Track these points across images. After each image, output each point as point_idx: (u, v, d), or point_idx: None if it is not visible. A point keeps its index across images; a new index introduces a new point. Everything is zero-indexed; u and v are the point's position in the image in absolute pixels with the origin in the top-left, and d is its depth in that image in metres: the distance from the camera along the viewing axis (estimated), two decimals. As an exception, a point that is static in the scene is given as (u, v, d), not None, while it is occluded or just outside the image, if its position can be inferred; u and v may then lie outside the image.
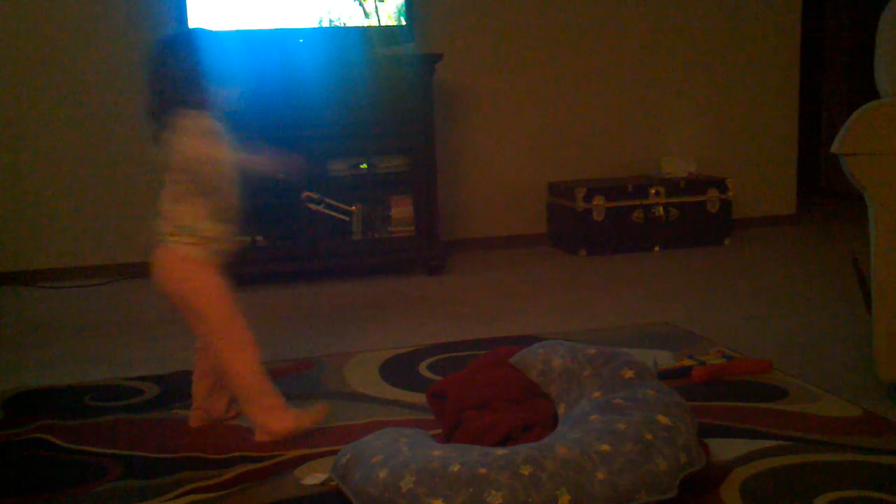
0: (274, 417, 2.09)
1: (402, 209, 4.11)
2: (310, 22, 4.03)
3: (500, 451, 1.63)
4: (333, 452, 1.91)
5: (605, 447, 1.61)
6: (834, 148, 2.18)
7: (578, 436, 1.68)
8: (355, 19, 4.08)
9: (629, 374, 1.93)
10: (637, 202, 4.59)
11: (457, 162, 4.69)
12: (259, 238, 4.00)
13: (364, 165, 4.03)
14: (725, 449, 1.95)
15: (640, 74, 4.95)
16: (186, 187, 2.05)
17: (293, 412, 2.11)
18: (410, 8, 4.12)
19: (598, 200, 4.52)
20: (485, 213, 4.81)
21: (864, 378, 2.41)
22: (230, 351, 2.09)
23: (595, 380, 1.93)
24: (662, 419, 1.72)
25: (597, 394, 1.88)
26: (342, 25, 4.07)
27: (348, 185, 4.00)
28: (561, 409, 1.94)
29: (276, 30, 4.00)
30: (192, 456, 2.03)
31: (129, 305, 3.75)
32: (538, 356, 2.08)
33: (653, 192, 4.61)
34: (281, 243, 4.03)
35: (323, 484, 1.82)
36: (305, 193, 3.83)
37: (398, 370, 2.65)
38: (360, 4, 4.08)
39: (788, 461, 1.89)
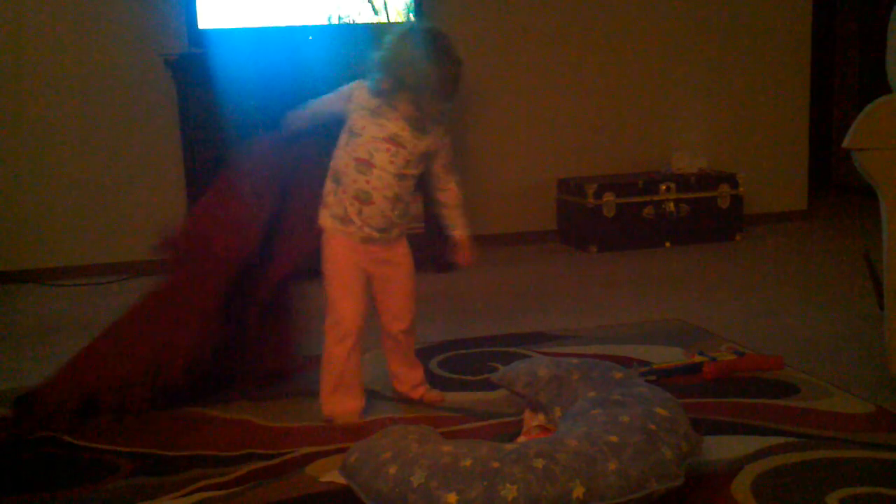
0: (332, 401, 2.22)
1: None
2: (319, 19, 4.04)
3: (510, 446, 1.64)
4: (344, 450, 1.91)
5: (614, 438, 1.63)
6: (845, 143, 2.17)
7: (586, 429, 1.68)
8: (364, 16, 4.08)
9: (619, 375, 1.98)
10: (648, 198, 4.58)
11: (466, 159, 4.68)
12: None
13: (374, 162, 4.03)
14: (737, 445, 1.94)
15: (650, 70, 4.93)
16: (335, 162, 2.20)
17: (352, 404, 2.23)
18: (420, 5, 4.12)
19: (609, 197, 4.51)
20: (495, 209, 4.80)
21: (876, 374, 2.39)
22: (326, 326, 2.21)
23: (586, 382, 1.97)
24: (661, 411, 1.74)
25: (592, 393, 1.89)
26: (351, 22, 4.07)
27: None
28: (557, 413, 1.95)
29: (285, 27, 4.00)
30: (204, 453, 2.04)
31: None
32: (521, 369, 2.12)
33: (663, 188, 4.59)
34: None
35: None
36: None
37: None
38: (370, 2, 4.09)
39: (800, 458, 1.88)
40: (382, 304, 2.28)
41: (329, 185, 2.21)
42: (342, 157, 2.17)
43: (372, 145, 2.14)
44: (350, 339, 2.19)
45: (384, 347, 2.35)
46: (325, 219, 2.21)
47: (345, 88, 2.20)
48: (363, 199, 2.15)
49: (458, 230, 2.33)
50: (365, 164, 2.14)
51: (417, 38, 2.09)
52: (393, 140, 2.14)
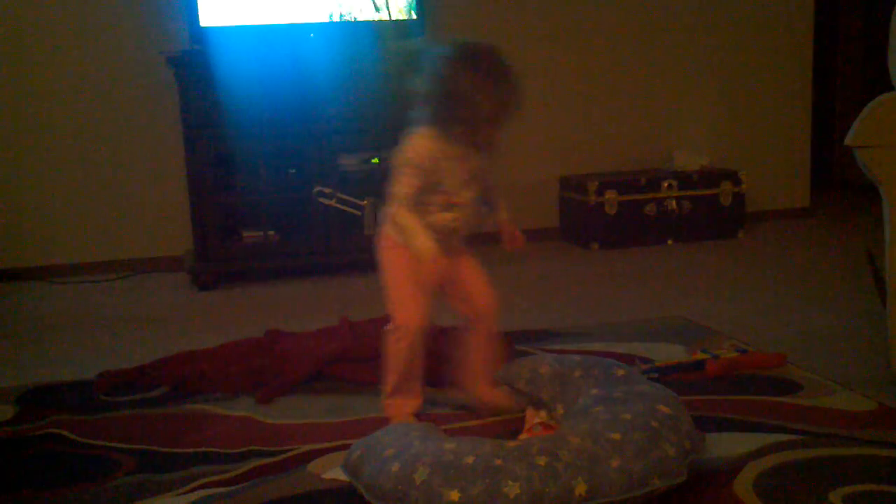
0: (392, 403, 2.17)
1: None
2: (321, 17, 4.03)
3: (513, 444, 1.64)
4: (346, 446, 1.91)
5: (616, 436, 1.63)
6: (847, 140, 2.17)
7: (588, 426, 1.69)
8: (366, 14, 4.08)
9: (621, 372, 1.98)
10: (650, 195, 4.57)
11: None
12: (271, 232, 4.01)
13: (376, 160, 4.02)
14: (739, 443, 1.94)
15: (652, 68, 4.92)
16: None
17: (412, 404, 2.18)
18: (421, 2, 4.11)
19: (611, 194, 4.51)
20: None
21: (878, 371, 2.39)
22: (390, 327, 2.15)
23: (588, 379, 1.97)
24: (663, 409, 1.74)
25: (595, 390, 1.89)
26: (353, 20, 4.07)
27: (360, 180, 3.99)
28: (559, 410, 1.95)
29: (287, 25, 4.00)
30: (205, 450, 2.03)
31: (142, 300, 3.77)
32: (524, 365, 2.13)
33: (665, 185, 4.59)
34: (293, 238, 4.03)
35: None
36: (317, 188, 3.84)
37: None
38: (371, -1, 4.09)
39: (803, 455, 1.88)
40: (461, 295, 2.22)
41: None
42: (422, 198, 2.08)
43: (456, 187, 2.11)
44: (411, 335, 2.12)
45: (470, 346, 2.24)
46: (396, 235, 2.12)
47: (411, 154, 2.09)
48: (449, 231, 2.13)
49: (503, 212, 2.26)
50: (451, 204, 2.12)
51: (467, 68, 2.04)
52: (472, 176, 2.13)
